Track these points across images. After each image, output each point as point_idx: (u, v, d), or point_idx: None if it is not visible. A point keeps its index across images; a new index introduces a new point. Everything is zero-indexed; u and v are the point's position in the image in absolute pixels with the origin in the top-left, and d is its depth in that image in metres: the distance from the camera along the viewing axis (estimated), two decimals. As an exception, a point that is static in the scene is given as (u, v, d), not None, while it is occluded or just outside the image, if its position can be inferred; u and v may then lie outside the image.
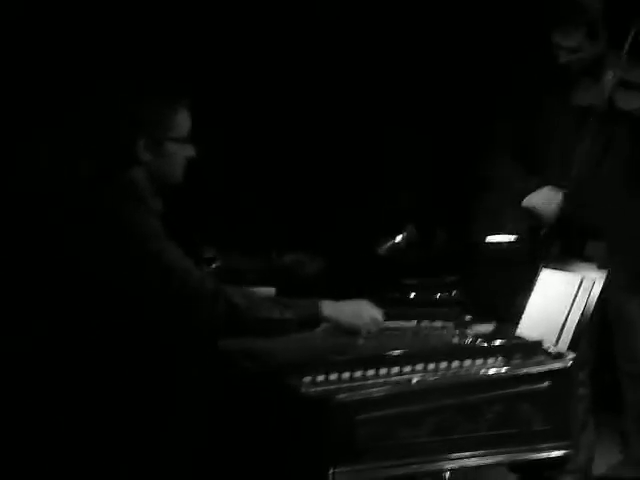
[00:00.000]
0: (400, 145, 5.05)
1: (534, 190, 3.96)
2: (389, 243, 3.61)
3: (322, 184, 4.90)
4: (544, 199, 3.92)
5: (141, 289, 2.61)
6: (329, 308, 2.83)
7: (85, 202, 2.71)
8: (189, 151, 2.84)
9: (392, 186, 5.05)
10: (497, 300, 3.63)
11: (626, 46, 3.80)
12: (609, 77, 3.83)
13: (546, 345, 2.85)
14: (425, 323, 3.25)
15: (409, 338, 3.05)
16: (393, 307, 3.45)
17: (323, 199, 4.88)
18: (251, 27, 4.81)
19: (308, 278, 4.17)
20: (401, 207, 4.89)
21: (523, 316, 3.18)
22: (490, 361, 2.75)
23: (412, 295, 3.61)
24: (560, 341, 2.93)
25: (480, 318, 3.29)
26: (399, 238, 3.60)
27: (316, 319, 2.82)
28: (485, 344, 2.91)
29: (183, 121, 2.82)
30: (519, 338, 2.97)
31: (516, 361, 2.75)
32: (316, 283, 4.05)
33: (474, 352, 2.78)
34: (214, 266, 3.83)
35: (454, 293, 3.64)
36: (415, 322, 3.26)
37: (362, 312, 2.92)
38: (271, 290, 3.40)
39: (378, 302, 3.45)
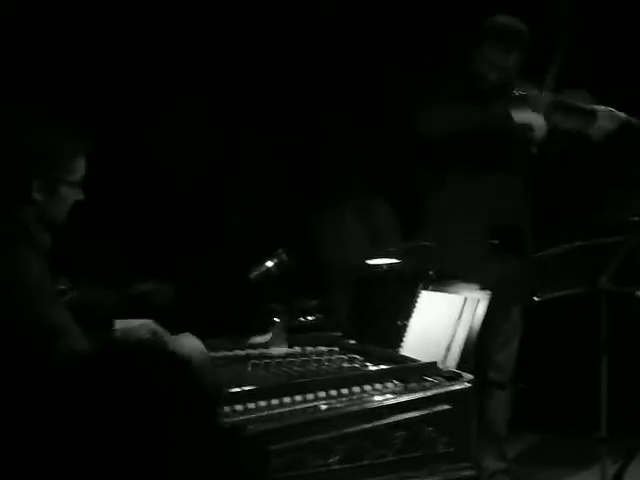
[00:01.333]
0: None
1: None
2: (260, 269, 3.54)
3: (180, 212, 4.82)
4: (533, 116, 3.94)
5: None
6: None
7: None
8: (79, 195, 2.77)
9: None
10: (372, 323, 3.64)
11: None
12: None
13: (439, 366, 2.88)
14: (309, 349, 3.22)
15: (300, 365, 3.01)
16: (265, 334, 3.41)
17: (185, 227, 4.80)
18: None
19: (163, 308, 4.06)
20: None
21: (405, 338, 3.20)
22: (389, 385, 2.75)
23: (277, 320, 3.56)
24: (447, 361, 2.97)
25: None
26: (270, 263, 3.54)
27: None
28: (379, 368, 2.92)
29: (81, 166, 2.75)
30: (411, 360, 2.97)
31: (413, 384, 2.76)
32: (176, 313, 3.94)
33: (372, 377, 2.78)
34: (68, 298, 3.66)
35: (320, 317, 3.63)
36: (298, 348, 3.23)
37: (190, 346, 2.78)
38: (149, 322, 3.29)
39: (248, 330, 3.40)
